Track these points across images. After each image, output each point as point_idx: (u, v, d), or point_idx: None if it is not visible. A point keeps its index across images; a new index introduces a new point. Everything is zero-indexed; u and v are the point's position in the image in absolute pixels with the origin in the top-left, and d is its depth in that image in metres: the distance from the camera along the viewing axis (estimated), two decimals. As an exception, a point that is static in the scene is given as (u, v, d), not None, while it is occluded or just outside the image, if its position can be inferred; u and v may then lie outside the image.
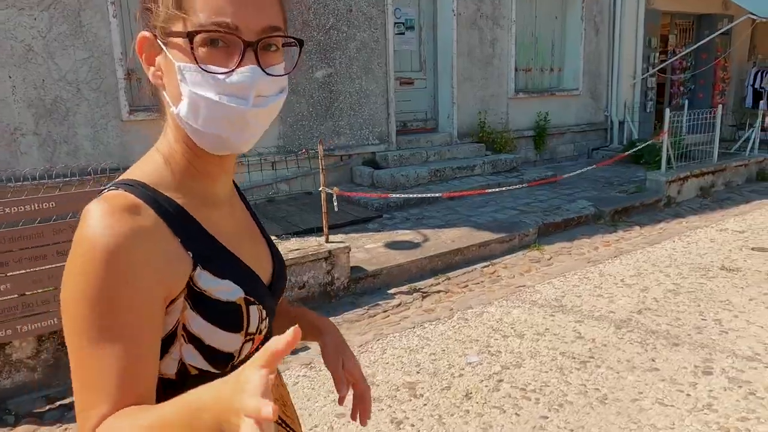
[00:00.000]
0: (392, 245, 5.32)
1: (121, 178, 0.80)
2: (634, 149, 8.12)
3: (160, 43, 0.77)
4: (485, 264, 5.25)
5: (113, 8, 5.46)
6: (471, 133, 8.34)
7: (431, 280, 4.88)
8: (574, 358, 3.35)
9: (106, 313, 0.69)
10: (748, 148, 8.63)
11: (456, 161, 7.73)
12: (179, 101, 0.77)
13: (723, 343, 3.46)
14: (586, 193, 7.33)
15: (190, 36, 0.73)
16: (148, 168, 0.81)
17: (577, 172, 7.20)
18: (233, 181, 0.95)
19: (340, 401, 1.05)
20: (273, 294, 0.92)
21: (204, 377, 0.78)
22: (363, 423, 1.04)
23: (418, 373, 3.26)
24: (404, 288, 4.71)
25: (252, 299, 0.82)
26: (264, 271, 0.91)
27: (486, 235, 5.56)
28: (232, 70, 0.74)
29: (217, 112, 0.75)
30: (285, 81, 0.81)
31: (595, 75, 9.88)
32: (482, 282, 4.86)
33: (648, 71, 10.34)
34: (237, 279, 0.81)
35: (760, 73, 11.78)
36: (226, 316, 0.79)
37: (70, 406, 3.14)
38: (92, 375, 0.70)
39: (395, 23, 7.66)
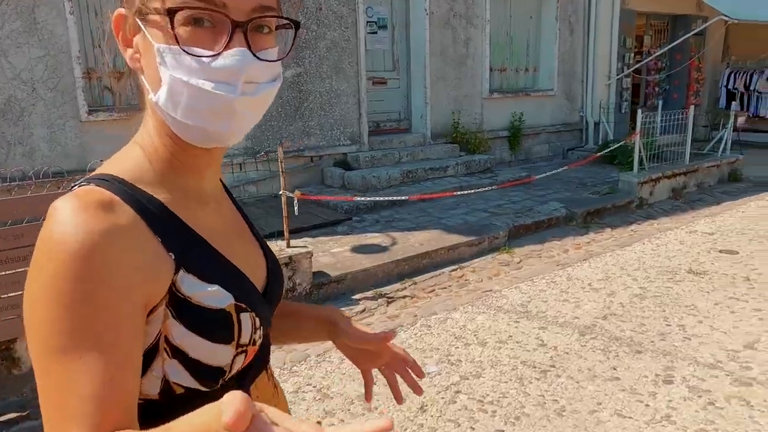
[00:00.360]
0: (359, 249, 5.21)
1: (95, 172, 0.72)
2: (607, 150, 8.11)
3: (138, 21, 0.69)
4: (454, 268, 5.16)
5: (69, 5, 5.27)
6: (445, 133, 8.26)
7: (398, 285, 4.78)
8: (535, 367, 3.28)
9: (79, 317, 0.60)
10: (720, 149, 8.67)
11: (429, 162, 7.65)
12: (158, 87, 0.69)
13: (685, 351, 3.41)
14: (559, 194, 7.29)
15: (170, 13, 0.65)
16: (126, 162, 0.73)
17: (551, 173, 7.16)
18: (220, 179, 0.87)
19: (399, 399, 1.08)
20: (269, 301, 0.84)
21: (191, 396, 0.71)
22: (420, 375, 1.07)
23: (374, 384, 3.15)
24: (369, 293, 4.61)
25: (244, 306, 0.74)
26: (257, 275, 0.83)
27: (455, 238, 5.48)
28: (219, 53, 0.66)
29: (201, 100, 0.67)
30: (278, 68, 0.73)
31: (570, 75, 9.86)
32: (449, 286, 4.78)
33: (623, 71, 10.35)
34: (226, 283, 0.73)
35: (733, 74, 11.88)
36: (214, 326, 0.71)
37: (9, 423, 2.99)
38: (64, 391, 0.60)
39: (367, 22, 7.55)
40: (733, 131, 8.97)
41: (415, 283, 4.82)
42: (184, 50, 0.66)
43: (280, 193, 4.23)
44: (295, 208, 4.41)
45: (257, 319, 0.77)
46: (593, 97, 10.13)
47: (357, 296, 4.56)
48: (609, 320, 3.89)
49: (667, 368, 3.21)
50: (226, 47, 0.67)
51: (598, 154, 8.04)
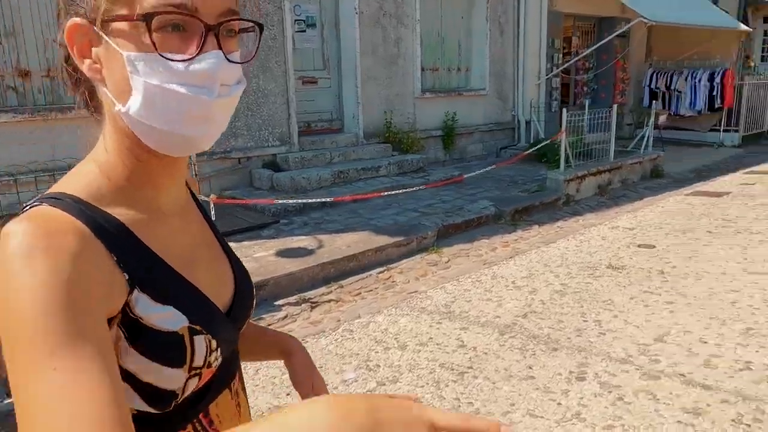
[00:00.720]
0: (284, 253, 5.08)
1: (48, 191, 0.70)
2: (534, 148, 8.28)
3: (99, 31, 0.67)
4: (381, 269, 5.11)
5: (-37, -3, 4.89)
6: (377, 133, 8.21)
7: (323, 289, 4.68)
8: (453, 369, 3.25)
9: (62, 323, 0.56)
10: (643, 146, 9.01)
11: (361, 162, 7.58)
12: (127, 97, 0.67)
13: (600, 346, 3.47)
14: (489, 192, 7.37)
15: (146, 19, 0.64)
16: (81, 179, 0.71)
17: (480, 171, 7.23)
18: (189, 189, 0.85)
19: None
20: (234, 319, 0.81)
21: (143, 417, 0.69)
22: None
23: (288, 395, 3.05)
24: (293, 299, 4.49)
25: (198, 328, 0.72)
26: (222, 292, 0.81)
27: (384, 239, 5.43)
28: (194, 57, 0.66)
29: (181, 104, 0.67)
30: (241, 70, 0.73)
31: (501, 75, 10.02)
32: (376, 289, 4.71)
33: (552, 71, 10.61)
34: (181, 305, 0.71)
35: (655, 74, 12.40)
36: (166, 348, 0.69)
37: None
38: (56, 411, 0.53)
39: (295, 20, 7.41)
40: (655, 129, 9.35)
41: (342, 287, 4.74)
42: (162, 56, 0.65)
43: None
44: (212, 212, 4.23)
45: (213, 341, 0.74)
46: (524, 97, 10.33)
47: (280, 302, 4.43)
48: (529, 318, 3.92)
49: (581, 365, 3.25)
50: (200, 51, 0.66)
51: (526, 152, 8.18)
